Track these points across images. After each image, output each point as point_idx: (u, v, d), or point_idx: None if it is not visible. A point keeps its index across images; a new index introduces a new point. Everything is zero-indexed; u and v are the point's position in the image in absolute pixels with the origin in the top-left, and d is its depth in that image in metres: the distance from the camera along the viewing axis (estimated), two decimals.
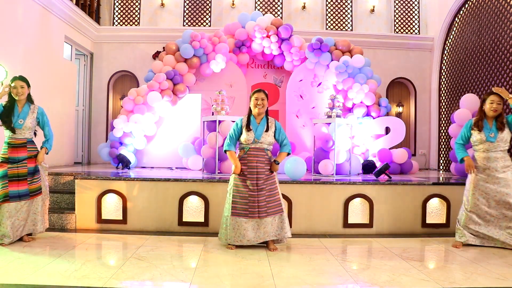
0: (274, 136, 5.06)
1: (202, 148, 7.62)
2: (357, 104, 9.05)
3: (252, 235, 4.93)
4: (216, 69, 9.28)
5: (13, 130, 5.05)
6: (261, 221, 4.94)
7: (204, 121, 7.82)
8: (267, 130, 5.00)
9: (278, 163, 5.01)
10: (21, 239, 5.23)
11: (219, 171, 7.36)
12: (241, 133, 5.06)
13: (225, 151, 5.07)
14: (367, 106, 9.04)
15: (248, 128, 5.00)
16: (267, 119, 5.08)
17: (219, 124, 7.31)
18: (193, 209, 6.14)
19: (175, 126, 9.33)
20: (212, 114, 7.61)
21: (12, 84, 5.08)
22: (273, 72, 10.37)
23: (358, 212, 6.20)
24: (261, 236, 4.95)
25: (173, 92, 9.03)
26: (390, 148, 8.75)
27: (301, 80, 9.65)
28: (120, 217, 6.14)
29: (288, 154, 5.10)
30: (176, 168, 8.94)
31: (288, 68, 9.95)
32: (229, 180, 5.32)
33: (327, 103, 7.89)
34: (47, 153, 5.28)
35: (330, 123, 7.55)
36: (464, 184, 6.35)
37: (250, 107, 5.10)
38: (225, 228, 5.07)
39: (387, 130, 9.00)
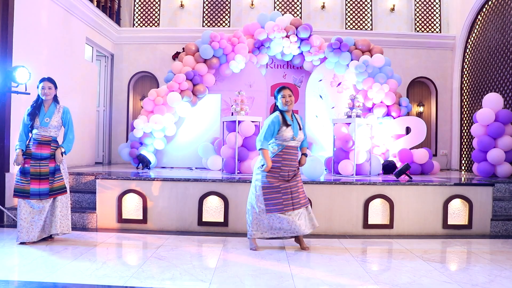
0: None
1: (222, 149, 7.63)
2: (377, 104, 8.97)
3: (288, 227, 4.88)
4: (235, 70, 9.29)
5: (39, 128, 5.16)
6: (294, 213, 4.89)
7: (223, 122, 7.82)
8: (300, 128, 4.99)
9: (307, 155, 5.04)
10: (44, 239, 5.31)
11: (238, 171, 7.36)
12: (278, 131, 4.93)
13: (260, 149, 4.87)
14: (387, 106, 8.95)
15: (287, 125, 4.93)
16: (295, 116, 5.04)
17: (238, 124, 7.32)
18: (213, 209, 6.15)
19: (195, 127, 9.36)
20: (232, 115, 7.62)
21: (41, 85, 5.20)
22: (293, 72, 10.33)
23: (378, 212, 6.15)
24: (296, 229, 4.90)
25: (192, 93, 9.06)
26: (410, 148, 8.65)
27: (320, 80, 9.59)
28: (140, 217, 6.18)
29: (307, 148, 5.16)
30: (196, 168, 8.97)
31: (308, 68, 9.91)
32: (252, 179, 5.25)
33: (347, 103, 7.84)
34: (65, 153, 5.30)
35: (350, 123, 7.50)
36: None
37: (276, 106, 5.01)
38: (256, 223, 4.96)
39: (408, 130, 8.91)
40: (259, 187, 4.88)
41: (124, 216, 6.21)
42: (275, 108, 5.03)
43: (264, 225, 4.91)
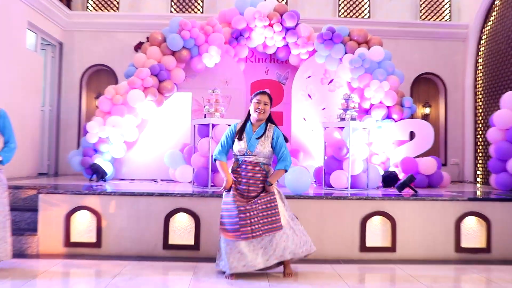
0: (272, 147, 4.97)
1: (193, 157, 7.59)
2: (375, 105, 9.01)
3: (252, 259, 4.82)
4: (209, 64, 9.26)
5: None
6: (260, 241, 4.85)
7: (194, 125, 7.79)
8: (263, 140, 4.90)
9: (270, 184, 4.89)
10: None
11: (212, 184, 7.31)
12: (233, 141, 5.01)
13: (215, 160, 5.07)
14: (388, 107, 9.00)
15: (240, 137, 4.94)
16: (266, 126, 4.98)
17: (212, 128, 7.29)
18: (182, 230, 6.10)
19: (161, 131, 9.31)
20: (205, 117, 7.58)
21: None
22: (277, 67, 10.34)
23: (377, 233, 6.14)
24: (268, 260, 4.85)
25: (158, 91, 9.01)
26: (415, 157, 8.70)
27: (309, 77, 9.61)
28: (94, 239, 6.08)
29: (286, 171, 4.97)
30: (162, 180, 8.91)
31: (294, 62, 9.91)
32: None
33: (340, 103, 7.85)
34: (2, 163, 5.13)
35: (343, 127, 7.50)
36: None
37: (249, 111, 5.03)
38: (220, 252, 5.02)
39: (412, 136, 8.96)
40: (222, 202, 4.99)
41: (73, 239, 6.09)
42: (248, 113, 5.04)
43: (225, 256, 4.90)
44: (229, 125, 7.39)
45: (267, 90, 5.08)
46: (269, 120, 5.06)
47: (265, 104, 4.91)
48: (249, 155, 4.90)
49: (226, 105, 9.36)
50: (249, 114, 5.05)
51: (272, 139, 4.93)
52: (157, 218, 6.10)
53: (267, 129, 4.97)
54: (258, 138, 4.88)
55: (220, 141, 5.06)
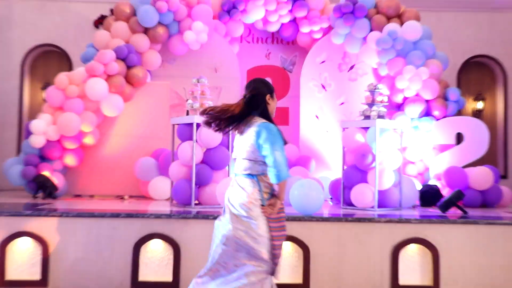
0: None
1: (171, 166, 7.61)
2: (410, 98, 9.04)
3: None
4: (193, 45, 9.29)
5: None
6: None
7: (174, 125, 7.81)
8: (242, 139, 4.62)
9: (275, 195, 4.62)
10: None
11: (197, 202, 7.35)
12: None
13: (284, 178, 4.42)
14: (427, 101, 9.03)
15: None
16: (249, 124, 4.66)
17: (197, 129, 7.30)
18: (156, 262, 6.12)
19: (130, 132, 9.33)
20: (187, 114, 7.61)
21: None
22: (281, 49, 10.36)
23: (414, 267, 6.15)
24: None
25: (126, 80, 9.00)
26: (464, 166, 8.72)
27: (323, 62, 9.63)
28: (38, 276, 6.05)
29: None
30: (130, 197, 8.93)
31: (304, 43, 9.92)
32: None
33: (363, 96, 7.88)
34: None
35: (368, 128, 7.54)
36: None
37: (268, 110, 4.74)
38: None
39: (459, 138, 8.98)
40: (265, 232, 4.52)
41: (10, 276, 6.05)
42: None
43: None
44: None
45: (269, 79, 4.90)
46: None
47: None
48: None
49: (215, 98, 9.39)
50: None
51: (254, 135, 4.69)
52: (124, 247, 6.10)
53: (252, 125, 4.74)
54: (240, 142, 4.70)
55: (282, 151, 4.44)
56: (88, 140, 9.00)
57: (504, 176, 10.92)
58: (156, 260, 6.13)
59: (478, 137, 8.71)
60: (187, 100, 7.63)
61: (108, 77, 8.83)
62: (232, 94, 9.63)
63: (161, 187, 8.50)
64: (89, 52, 9.21)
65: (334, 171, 9.21)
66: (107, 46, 9.05)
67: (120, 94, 9.02)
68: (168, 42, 9.42)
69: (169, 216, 6.21)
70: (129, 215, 6.20)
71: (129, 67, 9.06)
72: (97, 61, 8.80)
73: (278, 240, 4.44)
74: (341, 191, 7.71)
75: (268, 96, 4.57)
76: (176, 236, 6.12)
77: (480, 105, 11.24)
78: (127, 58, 8.98)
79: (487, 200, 8.46)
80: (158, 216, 6.19)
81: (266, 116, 4.54)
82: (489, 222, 6.23)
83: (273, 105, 4.65)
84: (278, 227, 4.46)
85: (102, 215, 6.20)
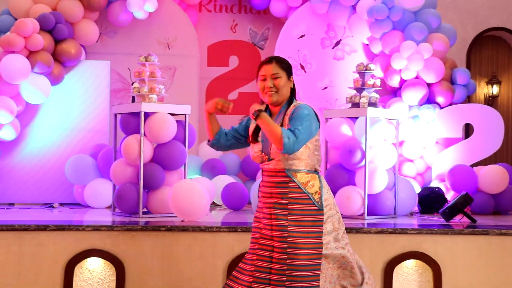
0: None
1: (113, 166, 7.62)
2: (409, 81, 9.15)
3: None
4: (138, 13, 9.27)
5: None
6: None
7: (115, 114, 7.83)
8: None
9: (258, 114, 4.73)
10: None
11: (145, 210, 7.39)
12: (241, 135, 5.01)
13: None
14: (429, 85, 9.15)
15: (255, 135, 4.90)
16: (286, 109, 4.86)
17: (145, 119, 7.34)
18: (94, 285, 6.13)
19: (59, 124, 9.31)
20: (133, 101, 7.66)
21: None
22: (250, 20, 10.42)
23: (412, 286, 6.26)
24: None
25: (54, 57, 8.96)
26: (473, 165, 8.87)
27: (302, 36, 9.72)
28: None
29: (282, 137, 4.81)
30: (61, 205, 8.92)
31: (278, 12, 9.97)
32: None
33: (351, 79, 7.96)
34: None
35: (357, 118, 7.63)
36: None
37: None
38: None
39: (468, 131, 9.10)
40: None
41: None
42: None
43: None
44: (173, 114, 7.46)
45: (274, 57, 4.93)
46: (292, 102, 4.93)
47: (275, 78, 4.86)
48: (267, 161, 4.83)
49: (167, 81, 9.44)
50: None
51: (290, 119, 4.82)
52: (53, 268, 6.08)
53: (286, 113, 4.87)
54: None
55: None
56: (5, 134, 8.91)
57: None
58: (94, 282, 6.12)
59: (491, 129, 8.85)
60: (132, 83, 7.61)
61: (30, 54, 8.70)
62: (189, 75, 9.67)
63: (100, 192, 8.48)
64: (3, 20, 9.03)
65: None
66: (28, 13, 8.92)
67: (47, 75, 8.94)
68: (108, 10, 9.40)
69: (110, 228, 6.20)
70: (60, 228, 6.15)
71: (57, 41, 8.97)
72: (14, 33, 8.63)
73: None
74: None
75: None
76: (119, 252, 6.12)
77: (494, 89, 11.42)
78: (55, 29, 8.87)
79: (500, 205, 8.60)
80: (96, 228, 6.17)
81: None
82: (502, 233, 6.34)
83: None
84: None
85: (24, 228, 6.13)
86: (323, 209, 4.62)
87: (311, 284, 4.51)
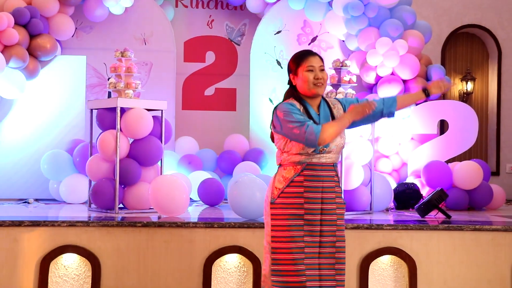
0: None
1: (89, 162, 7.59)
2: (385, 78, 9.19)
3: None
4: (115, 9, 9.26)
5: None
6: None
7: (91, 109, 7.79)
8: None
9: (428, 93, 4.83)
10: None
11: (122, 206, 7.38)
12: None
13: (315, 133, 4.58)
14: (405, 82, 9.19)
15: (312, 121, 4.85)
16: (328, 104, 4.91)
17: (121, 115, 7.31)
18: (70, 281, 6.09)
19: (34, 119, 9.28)
20: (109, 96, 7.63)
21: None
22: (226, 16, 10.40)
23: (387, 282, 6.29)
24: None
25: (29, 52, 8.91)
26: (448, 161, 8.92)
27: (279, 32, 9.72)
28: None
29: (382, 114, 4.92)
30: (36, 200, 8.89)
31: (255, 8, 9.96)
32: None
33: (328, 75, 7.97)
34: None
35: None
36: None
37: (291, 87, 4.93)
38: None
39: (443, 127, 9.14)
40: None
41: None
42: (288, 93, 4.92)
43: None
44: (149, 109, 7.46)
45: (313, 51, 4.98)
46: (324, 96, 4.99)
47: (321, 70, 4.88)
48: (320, 154, 4.81)
49: (144, 77, 9.42)
50: (291, 92, 4.95)
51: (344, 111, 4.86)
52: (28, 264, 6.06)
53: (332, 105, 4.92)
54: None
55: (295, 116, 4.64)
56: None
57: (495, 173, 11.14)
58: (69, 278, 6.09)
59: (466, 125, 8.90)
60: (108, 78, 7.60)
61: (5, 48, 8.65)
62: (165, 71, 9.64)
63: (76, 187, 8.47)
64: None
65: None
66: (3, 7, 8.87)
67: (22, 70, 8.88)
68: (83, 5, 9.35)
69: (86, 223, 6.17)
70: (35, 224, 6.12)
71: (32, 35, 8.92)
72: None
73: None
74: None
75: (291, 76, 4.85)
76: (95, 248, 6.09)
77: (469, 86, 11.46)
78: (30, 23, 8.81)
79: (475, 201, 8.66)
80: (72, 224, 6.14)
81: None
82: (476, 228, 6.38)
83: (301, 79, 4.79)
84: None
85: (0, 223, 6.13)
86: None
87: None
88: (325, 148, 4.60)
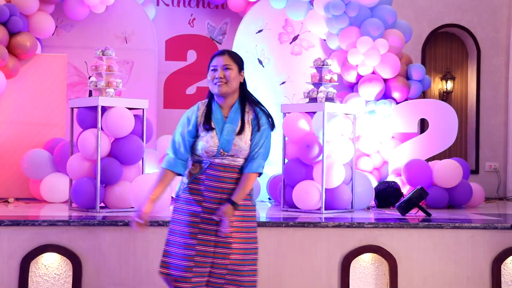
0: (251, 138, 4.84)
1: (70, 160, 7.57)
2: (366, 77, 9.20)
3: None
4: (96, 7, 9.20)
5: None
6: None
7: (72, 108, 7.76)
8: (242, 130, 4.83)
9: (235, 206, 4.80)
10: None
11: (103, 205, 7.36)
12: (195, 136, 4.93)
13: (163, 168, 4.92)
14: (385, 81, 9.21)
15: (209, 126, 4.85)
16: (243, 107, 4.87)
17: (102, 114, 7.28)
18: (50, 281, 6.08)
19: (14, 118, 9.22)
20: (90, 95, 7.59)
21: None
22: (208, 14, 10.38)
23: (368, 279, 6.31)
24: None
25: (8, 50, 8.86)
26: (428, 160, 8.95)
27: (260, 31, 9.72)
28: None
29: (260, 175, 4.91)
30: (16, 200, 8.83)
31: (236, 7, 9.96)
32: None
33: (309, 74, 7.98)
34: None
35: (314, 112, 7.64)
36: None
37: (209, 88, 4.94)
38: None
39: (423, 126, 9.17)
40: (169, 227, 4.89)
41: None
42: (208, 93, 4.93)
43: None
44: (131, 108, 7.43)
45: (227, 50, 4.95)
46: (246, 98, 4.95)
47: (225, 69, 4.84)
48: (222, 156, 4.80)
49: (125, 75, 9.40)
50: (211, 93, 4.94)
51: (253, 126, 4.81)
52: (8, 263, 6.03)
53: (246, 111, 4.87)
54: (240, 132, 4.77)
55: (172, 140, 4.91)
56: None
57: (475, 171, 11.20)
58: (50, 278, 6.08)
59: (445, 124, 8.94)
60: (89, 77, 7.57)
61: None
62: (147, 69, 9.63)
63: (56, 186, 8.43)
64: None
65: (273, 165, 9.17)
66: None
67: (1, 68, 8.83)
68: (64, 3, 9.31)
69: (67, 223, 6.15)
70: (15, 223, 6.10)
71: (12, 33, 8.86)
72: None
73: None
74: (281, 190, 7.81)
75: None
76: (76, 247, 6.07)
77: (448, 85, 11.51)
78: (9, 21, 8.74)
79: (455, 199, 8.70)
80: (52, 223, 6.12)
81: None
82: (455, 226, 6.42)
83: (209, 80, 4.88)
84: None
85: None
86: (255, 206, 4.86)
87: (253, 279, 4.69)
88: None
